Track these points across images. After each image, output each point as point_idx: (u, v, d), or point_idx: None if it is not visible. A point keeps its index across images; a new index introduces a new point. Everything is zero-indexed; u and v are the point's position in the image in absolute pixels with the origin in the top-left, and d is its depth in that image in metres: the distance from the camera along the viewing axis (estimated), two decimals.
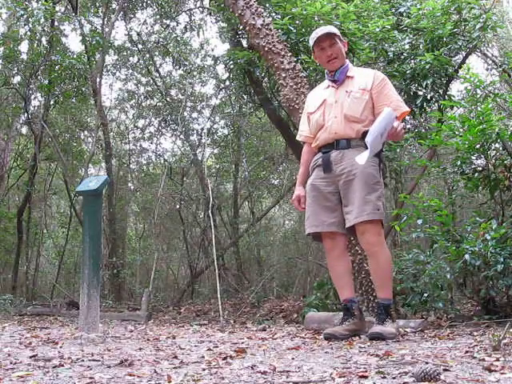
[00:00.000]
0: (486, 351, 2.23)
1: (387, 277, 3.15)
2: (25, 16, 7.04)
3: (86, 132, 10.97)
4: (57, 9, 8.57)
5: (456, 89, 6.77)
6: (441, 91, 5.07)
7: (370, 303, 3.90)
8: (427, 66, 4.70)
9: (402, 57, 5.00)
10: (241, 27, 5.92)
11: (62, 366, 2.12)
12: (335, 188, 3.21)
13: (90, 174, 10.02)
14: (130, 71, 10.26)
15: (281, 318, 5.52)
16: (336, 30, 3.36)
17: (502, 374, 1.72)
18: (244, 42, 6.57)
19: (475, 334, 3.05)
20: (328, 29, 3.36)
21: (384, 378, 1.74)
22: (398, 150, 5.49)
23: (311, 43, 3.34)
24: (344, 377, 1.77)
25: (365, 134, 3.10)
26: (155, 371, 1.97)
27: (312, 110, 3.38)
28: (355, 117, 3.17)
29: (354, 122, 3.17)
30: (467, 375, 1.73)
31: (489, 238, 3.54)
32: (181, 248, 10.36)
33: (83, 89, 8.62)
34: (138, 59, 9.90)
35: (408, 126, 6.08)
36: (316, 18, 4.97)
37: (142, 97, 10.50)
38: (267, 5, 5.37)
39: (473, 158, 4.17)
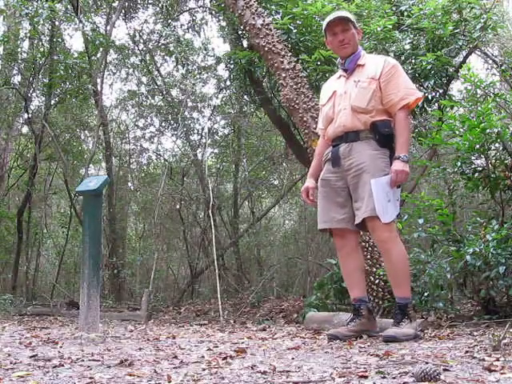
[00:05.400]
0: (486, 351, 2.23)
1: (403, 274, 3.03)
2: (29, 15, 7.04)
3: (86, 132, 10.96)
4: (58, 8, 8.56)
5: (456, 89, 6.75)
6: (441, 91, 5.07)
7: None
8: (429, 67, 4.70)
9: (403, 57, 5.00)
10: (241, 27, 5.92)
11: (62, 365, 2.12)
12: (344, 183, 3.12)
13: (90, 173, 10.01)
14: (131, 70, 10.25)
15: (281, 318, 5.51)
16: (350, 16, 3.26)
17: (502, 374, 1.72)
18: (245, 42, 6.57)
19: (475, 333, 3.03)
20: (342, 13, 3.28)
21: (384, 377, 1.74)
22: None
23: (324, 27, 3.26)
24: (344, 377, 1.77)
25: (373, 125, 3.04)
26: (155, 371, 1.96)
27: (323, 102, 3.31)
28: (361, 107, 3.06)
29: (361, 113, 3.06)
30: (467, 375, 1.73)
31: (490, 238, 3.54)
32: (181, 248, 10.36)
33: (88, 86, 8.61)
34: (141, 60, 9.90)
35: None
36: (317, 18, 4.97)
37: (143, 96, 10.49)
38: (267, 4, 5.38)
39: (473, 158, 4.16)
